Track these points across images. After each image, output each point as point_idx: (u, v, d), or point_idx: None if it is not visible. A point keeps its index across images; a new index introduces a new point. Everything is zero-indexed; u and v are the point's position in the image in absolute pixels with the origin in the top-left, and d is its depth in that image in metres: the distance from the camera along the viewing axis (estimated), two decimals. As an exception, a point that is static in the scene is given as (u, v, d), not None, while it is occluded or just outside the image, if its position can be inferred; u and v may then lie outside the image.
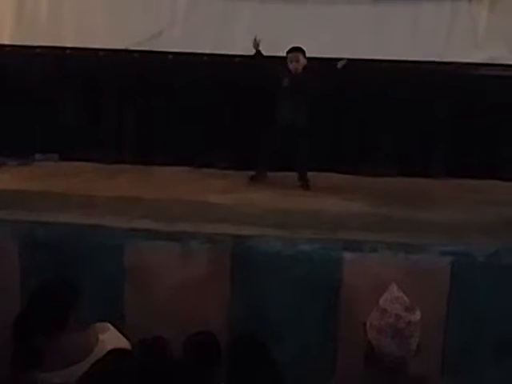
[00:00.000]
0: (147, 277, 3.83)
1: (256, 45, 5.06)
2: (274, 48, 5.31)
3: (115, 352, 2.25)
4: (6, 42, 5.89)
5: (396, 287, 2.25)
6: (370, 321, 2.22)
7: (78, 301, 2.84)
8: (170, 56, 5.72)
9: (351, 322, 2.94)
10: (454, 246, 3.82)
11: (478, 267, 3.76)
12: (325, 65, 5.19)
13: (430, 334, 2.50)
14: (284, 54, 5.11)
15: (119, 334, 2.63)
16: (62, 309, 2.69)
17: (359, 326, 2.25)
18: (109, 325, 2.65)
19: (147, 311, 3.81)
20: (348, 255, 3.81)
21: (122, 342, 2.56)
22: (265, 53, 5.26)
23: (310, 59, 5.11)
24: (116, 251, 3.84)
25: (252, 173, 5.26)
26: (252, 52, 5.11)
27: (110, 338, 2.53)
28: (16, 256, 3.87)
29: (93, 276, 3.71)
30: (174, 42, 5.69)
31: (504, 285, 3.74)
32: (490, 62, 5.53)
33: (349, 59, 5.51)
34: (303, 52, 5.03)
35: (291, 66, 5.04)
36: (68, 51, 5.80)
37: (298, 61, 5.01)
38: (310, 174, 5.21)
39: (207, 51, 5.71)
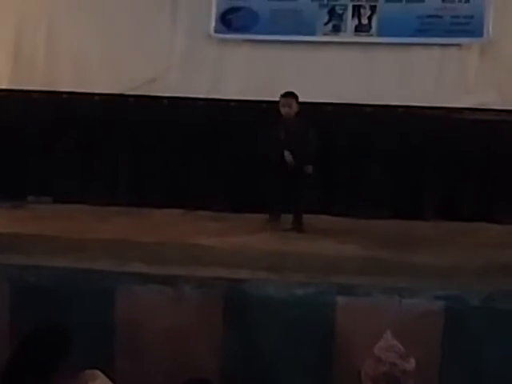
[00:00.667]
0: (139, 321, 3.79)
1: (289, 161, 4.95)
2: (267, 92, 5.42)
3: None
4: (4, 86, 5.98)
5: (390, 335, 2.25)
6: (365, 369, 2.21)
7: (69, 346, 2.81)
8: (165, 100, 5.81)
9: (345, 369, 2.92)
10: (447, 290, 3.81)
11: (472, 311, 3.74)
12: (315, 109, 5.27)
13: (425, 380, 2.48)
14: (277, 98, 5.18)
15: (109, 382, 2.60)
16: (52, 355, 2.67)
17: (353, 374, 2.24)
18: (98, 372, 2.62)
19: (138, 356, 3.77)
20: (342, 299, 3.79)
21: (112, 390, 2.53)
22: (257, 97, 5.35)
23: (300, 104, 5.17)
24: (107, 295, 3.81)
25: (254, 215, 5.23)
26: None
27: (100, 386, 2.50)
28: (7, 299, 3.84)
29: (83, 320, 3.67)
30: (170, 86, 5.79)
31: (498, 329, 3.72)
32: (479, 106, 5.62)
33: (340, 104, 5.65)
34: (296, 97, 5.01)
35: (283, 111, 5.00)
36: (64, 95, 5.89)
37: (290, 106, 4.96)
38: (303, 216, 5.23)
39: (202, 96, 5.80)
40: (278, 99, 5.09)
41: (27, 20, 5.93)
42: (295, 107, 5.00)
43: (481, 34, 5.54)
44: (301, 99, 5.11)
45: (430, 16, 5.60)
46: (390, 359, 2.15)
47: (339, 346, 3.74)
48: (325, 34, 5.72)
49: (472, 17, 5.54)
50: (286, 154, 4.90)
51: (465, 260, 4.36)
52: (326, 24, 5.70)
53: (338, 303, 3.79)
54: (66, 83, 5.89)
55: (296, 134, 4.93)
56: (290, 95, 5.01)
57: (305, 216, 5.23)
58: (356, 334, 3.66)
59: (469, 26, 5.55)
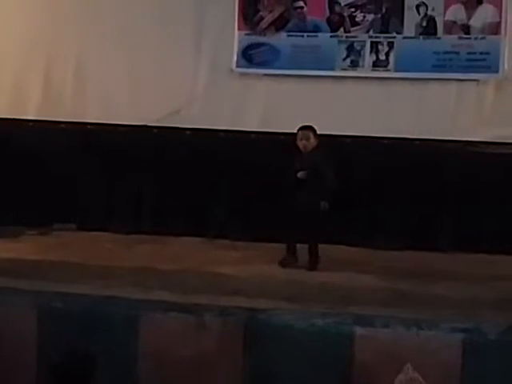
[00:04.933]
0: (161, 349, 3.86)
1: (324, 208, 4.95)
2: (286, 125, 5.55)
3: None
4: (32, 116, 6.17)
5: (411, 368, 2.29)
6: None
7: (94, 373, 2.89)
8: (188, 132, 5.95)
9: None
10: (465, 323, 3.83)
11: (490, 344, 3.76)
12: (333, 142, 5.37)
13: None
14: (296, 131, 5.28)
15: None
16: (79, 381, 2.75)
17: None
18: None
19: (160, 383, 3.84)
20: (360, 330, 3.83)
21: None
22: (277, 130, 5.46)
23: (319, 136, 5.22)
24: (132, 322, 3.90)
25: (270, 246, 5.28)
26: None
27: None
28: (34, 325, 3.94)
29: (108, 347, 3.76)
30: (192, 118, 5.93)
31: (516, 362, 3.73)
32: (496, 140, 5.68)
33: (358, 136, 5.75)
34: (314, 131, 5.04)
35: (300, 144, 4.99)
36: (90, 126, 6.06)
37: (308, 139, 4.97)
38: (320, 246, 5.20)
39: (223, 127, 5.94)
40: (295, 132, 5.15)
41: (57, 53, 6.11)
42: (313, 141, 5.00)
43: (497, 70, 5.63)
44: (319, 132, 5.16)
45: (446, 52, 5.70)
46: (411, 393, 2.20)
47: (358, 377, 3.77)
48: (343, 69, 5.85)
49: (488, 53, 5.64)
50: (300, 174, 4.89)
51: (483, 292, 4.39)
52: (344, 59, 5.83)
53: (357, 334, 3.82)
54: (92, 114, 6.06)
55: (312, 169, 4.91)
56: (307, 128, 5.02)
57: (322, 246, 5.27)
58: (374, 364, 3.69)
59: (485, 62, 5.64)
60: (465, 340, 3.76)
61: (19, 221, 5.77)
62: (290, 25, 5.90)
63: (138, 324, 3.90)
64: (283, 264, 5.03)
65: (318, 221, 5.00)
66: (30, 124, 6.11)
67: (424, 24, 5.72)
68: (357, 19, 5.80)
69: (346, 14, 5.82)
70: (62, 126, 6.04)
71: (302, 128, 5.05)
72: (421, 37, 5.73)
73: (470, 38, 5.68)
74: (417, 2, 5.70)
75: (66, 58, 6.10)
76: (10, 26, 6.09)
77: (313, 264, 5.02)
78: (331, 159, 5.00)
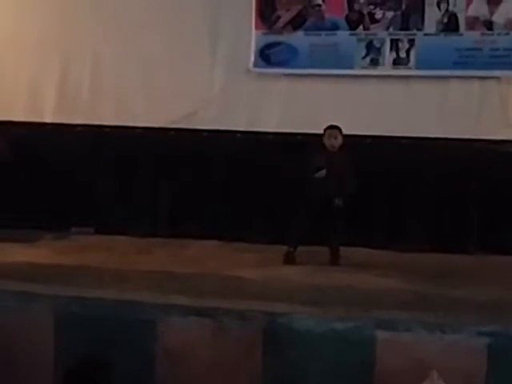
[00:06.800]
0: (179, 353, 3.81)
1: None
2: (305, 125, 5.47)
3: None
4: (48, 119, 6.18)
5: (436, 374, 2.22)
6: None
7: (112, 377, 2.85)
8: (205, 133, 5.91)
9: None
10: (491, 327, 3.73)
11: (516, 348, 3.66)
12: (354, 142, 5.30)
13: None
14: (315, 131, 5.22)
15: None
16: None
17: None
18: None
19: (179, 388, 3.79)
20: (381, 334, 3.75)
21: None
22: (296, 130, 5.39)
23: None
24: (149, 327, 3.85)
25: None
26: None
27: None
28: (51, 329, 3.91)
29: (126, 352, 3.72)
30: (209, 119, 5.90)
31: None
32: (519, 139, 5.58)
33: (379, 136, 5.66)
34: (340, 130, 5.10)
35: (328, 143, 5.08)
36: (106, 129, 6.05)
37: (336, 138, 5.06)
38: (341, 248, 5.20)
39: (241, 128, 5.88)
40: (315, 132, 5.16)
41: (72, 56, 6.11)
42: (340, 139, 5.08)
43: (521, 67, 5.53)
44: (340, 132, 5.16)
45: (468, 49, 5.60)
46: (435, 400, 2.12)
47: (380, 382, 3.69)
48: (363, 68, 5.76)
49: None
50: (319, 173, 4.93)
51: (509, 295, 4.28)
52: (363, 58, 5.74)
53: (378, 338, 3.74)
54: (108, 117, 6.05)
55: (337, 167, 4.98)
56: (335, 127, 5.10)
57: (343, 248, 5.22)
58: (397, 370, 3.60)
59: (508, 59, 5.53)
60: (490, 344, 3.66)
61: (36, 225, 5.76)
62: (307, 23, 5.82)
63: (156, 328, 3.86)
64: (288, 260, 5.07)
65: (338, 218, 5.03)
66: (47, 127, 6.12)
67: (445, 20, 5.62)
68: (376, 16, 5.71)
69: (365, 12, 5.73)
70: (79, 128, 6.04)
71: (330, 127, 5.12)
72: (442, 33, 5.63)
73: (492, 34, 5.56)
74: (437, -2, 5.61)
75: (81, 61, 6.10)
76: (25, 29, 6.11)
77: (335, 259, 5.07)
78: (353, 159, 4.97)
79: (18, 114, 6.11)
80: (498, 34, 5.55)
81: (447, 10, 5.60)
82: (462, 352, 3.65)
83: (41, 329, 3.92)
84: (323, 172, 4.95)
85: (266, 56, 5.89)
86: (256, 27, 5.86)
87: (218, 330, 3.84)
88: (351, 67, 5.76)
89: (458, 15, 5.59)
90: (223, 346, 3.82)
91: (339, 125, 5.12)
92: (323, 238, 5.22)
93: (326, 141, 5.09)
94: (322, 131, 5.15)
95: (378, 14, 5.70)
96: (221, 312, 3.90)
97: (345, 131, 5.14)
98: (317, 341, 3.77)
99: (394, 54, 5.70)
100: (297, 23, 5.84)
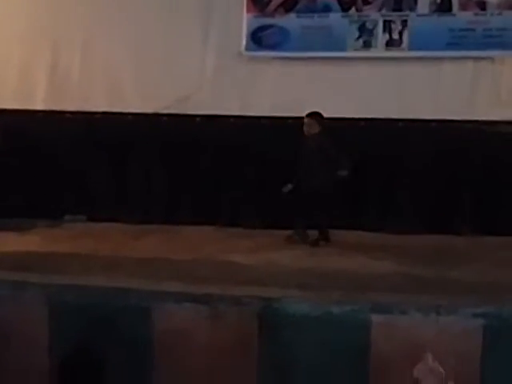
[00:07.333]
0: (175, 339, 3.81)
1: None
2: (298, 109, 5.43)
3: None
4: (39, 106, 6.11)
5: (431, 357, 2.21)
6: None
7: (107, 364, 2.85)
8: (198, 119, 5.87)
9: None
10: (485, 308, 3.73)
11: (511, 329, 3.67)
12: (347, 125, 5.28)
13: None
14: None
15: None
16: (91, 373, 2.70)
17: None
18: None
19: (175, 374, 3.78)
20: (377, 317, 3.75)
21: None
22: (288, 114, 5.33)
23: (332, 120, 5.19)
24: (144, 313, 3.84)
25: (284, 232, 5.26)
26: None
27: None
28: (45, 319, 3.89)
29: (120, 339, 3.71)
30: (202, 104, 5.84)
31: (539, 347, 3.63)
32: (512, 119, 5.55)
33: (372, 119, 5.63)
34: (321, 116, 5.14)
35: (305, 129, 5.18)
36: (98, 115, 5.99)
37: (310, 125, 5.14)
38: (335, 231, 5.23)
39: (233, 113, 5.83)
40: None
41: (62, 43, 6.05)
42: (316, 127, 5.15)
43: (514, 47, 5.49)
44: (332, 115, 5.15)
45: (462, 29, 5.55)
46: (431, 383, 2.12)
47: (375, 365, 3.70)
48: (356, 50, 5.72)
49: (505, 29, 5.48)
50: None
51: (504, 276, 4.28)
52: (356, 40, 5.70)
53: (373, 321, 3.75)
54: (99, 103, 5.99)
55: (316, 153, 5.06)
56: (312, 114, 5.16)
57: (337, 231, 5.23)
58: (392, 352, 3.62)
59: (502, 39, 5.49)
60: (485, 325, 3.67)
61: (29, 213, 5.72)
62: (299, 5, 5.77)
63: (151, 315, 3.86)
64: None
65: (326, 205, 5.10)
66: (38, 114, 6.06)
67: (438, 1, 5.57)
68: (368, -3, 5.65)
69: (357, -7, 5.67)
70: (69, 115, 5.98)
71: (308, 115, 5.20)
72: (435, 14, 5.58)
73: (485, 15, 5.52)
74: (430, -22, 5.55)
75: (72, 46, 6.04)
76: (14, 16, 6.03)
77: (315, 241, 5.16)
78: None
79: (9, 101, 6.03)
80: (491, 14, 5.51)
81: (440, -10, 5.56)
82: (458, 334, 3.66)
83: (35, 317, 3.90)
84: (289, 186, 5.13)
85: (258, 39, 5.84)
86: (247, 10, 5.80)
87: (214, 316, 3.84)
88: (344, 49, 5.71)
89: (451, -5, 5.55)
90: (219, 332, 3.82)
91: (332, 107, 5.14)
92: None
93: (304, 127, 5.19)
94: (315, 114, 5.14)
95: (371, -5, 5.65)
96: (216, 298, 3.90)
97: (338, 114, 5.16)
98: (312, 325, 3.78)
99: (386, 36, 5.66)
100: (289, 5, 5.78)
